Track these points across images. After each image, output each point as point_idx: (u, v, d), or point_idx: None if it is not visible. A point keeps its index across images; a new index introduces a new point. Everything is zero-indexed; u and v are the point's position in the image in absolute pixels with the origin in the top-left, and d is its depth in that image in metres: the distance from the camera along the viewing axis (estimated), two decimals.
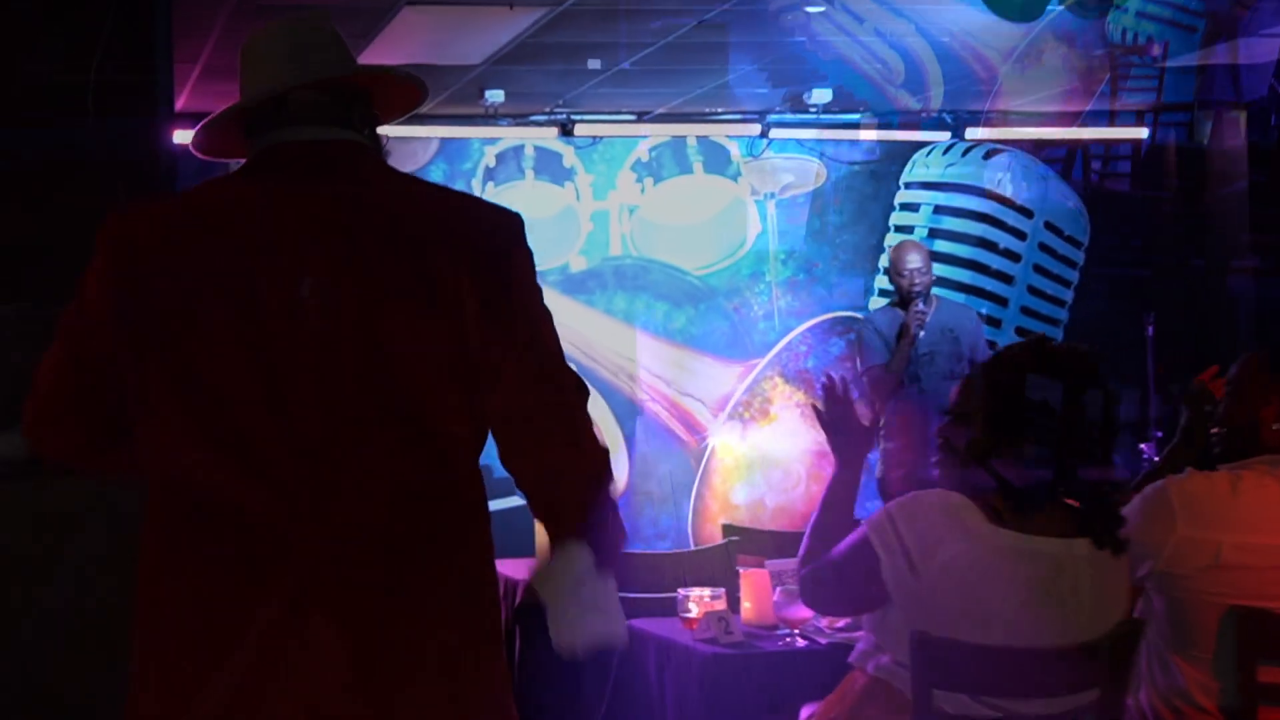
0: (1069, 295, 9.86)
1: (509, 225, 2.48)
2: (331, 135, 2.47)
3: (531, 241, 2.49)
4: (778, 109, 9.17)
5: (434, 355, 2.37)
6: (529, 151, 9.25)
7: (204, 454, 2.32)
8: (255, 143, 2.50)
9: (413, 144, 9.00)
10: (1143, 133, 9.84)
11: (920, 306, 7.11)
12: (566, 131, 9.10)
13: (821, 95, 8.73)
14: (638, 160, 9.41)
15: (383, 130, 2.60)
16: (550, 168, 9.29)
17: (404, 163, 9.01)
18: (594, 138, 9.23)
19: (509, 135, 9.13)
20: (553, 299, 2.52)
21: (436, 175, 9.08)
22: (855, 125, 9.44)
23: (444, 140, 9.09)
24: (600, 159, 9.34)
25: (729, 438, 9.46)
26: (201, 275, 2.36)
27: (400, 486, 2.35)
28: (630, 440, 9.26)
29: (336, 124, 2.48)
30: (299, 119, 2.47)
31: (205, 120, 2.55)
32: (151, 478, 2.38)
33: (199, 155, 2.64)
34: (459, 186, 9.02)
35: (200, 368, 2.33)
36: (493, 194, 9.17)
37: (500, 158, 9.22)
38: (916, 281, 7.14)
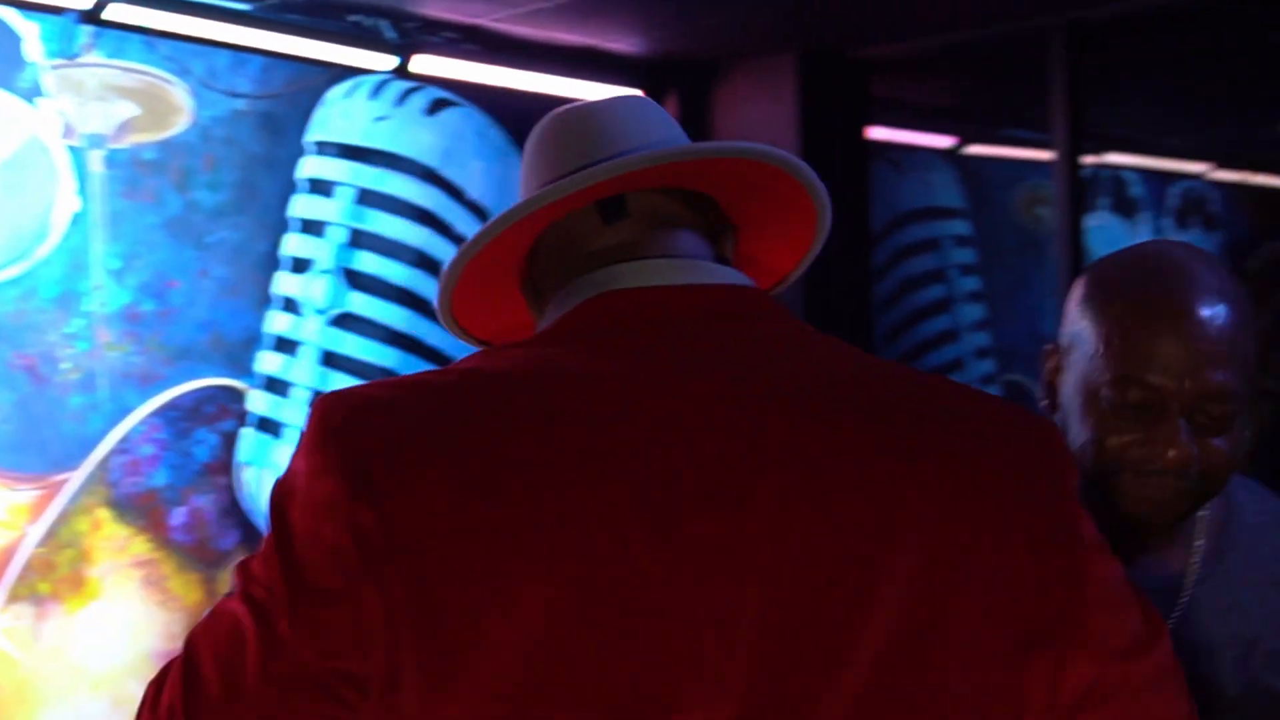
0: None
1: (1049, 433, 1.44)
2: (710, 279, 1.41)
3: None
4: None
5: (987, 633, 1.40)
6: None
7: None
8: (553, 294, 1.46)
9: None
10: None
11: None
12: None
13: None
14: None
15: None
16: None
17: None
18: None
19: None
20: None
21: None
22: (252, 18, 4.87)
23: None
24: None
25: (9, 636, 4.50)
26: (518, 506, 1.26)
27: None
28: None
29: (708, 254, 1.46)
30: (644, 249, 1.42)
31: (465, 250, 1.47)
32: None
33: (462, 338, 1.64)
34: None
35: (508, 655, 1.25)
36: None
37: None
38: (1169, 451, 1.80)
